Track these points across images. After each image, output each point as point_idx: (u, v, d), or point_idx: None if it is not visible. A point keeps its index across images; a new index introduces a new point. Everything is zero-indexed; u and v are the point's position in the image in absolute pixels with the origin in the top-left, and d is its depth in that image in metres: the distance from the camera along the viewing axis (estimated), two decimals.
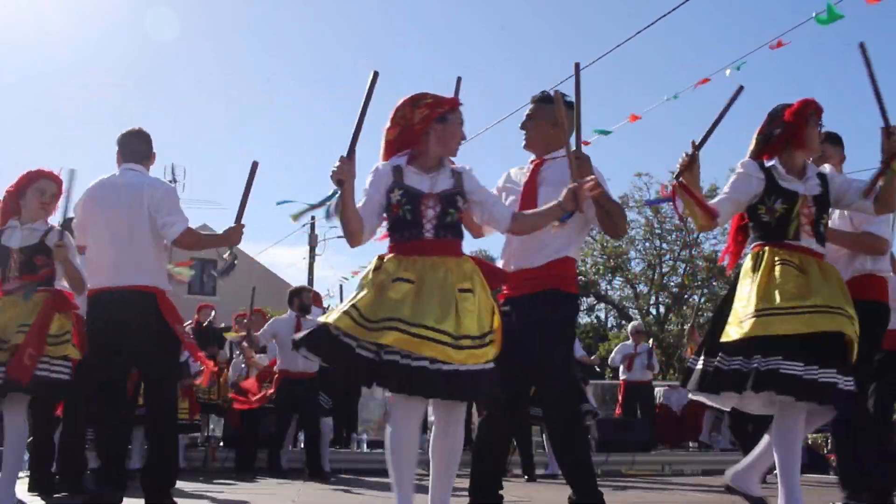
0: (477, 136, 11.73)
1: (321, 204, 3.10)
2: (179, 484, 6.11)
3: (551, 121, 3.53)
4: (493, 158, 36.02)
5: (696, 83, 8.00)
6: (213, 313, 9.51)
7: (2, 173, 45.14)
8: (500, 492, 3.67)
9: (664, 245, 27.15)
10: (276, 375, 7.64)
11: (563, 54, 42.13)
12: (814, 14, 6.35)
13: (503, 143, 38.90)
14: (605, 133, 8.54)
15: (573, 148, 3.35)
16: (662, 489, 6.68)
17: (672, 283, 26.83)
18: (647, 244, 27.26)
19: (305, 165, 49.86)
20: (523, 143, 3.72)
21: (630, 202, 27.29)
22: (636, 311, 27.14)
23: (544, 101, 3.65)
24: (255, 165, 4.09)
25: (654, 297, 27.61)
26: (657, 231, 26.92)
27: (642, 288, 27.69)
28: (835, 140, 4.25)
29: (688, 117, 41.44)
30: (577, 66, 3.46)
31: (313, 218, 17.78)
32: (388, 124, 3.15)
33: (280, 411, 7.74)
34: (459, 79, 3.45)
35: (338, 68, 46.48)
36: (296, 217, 3.21)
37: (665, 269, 27.26)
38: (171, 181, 23.31)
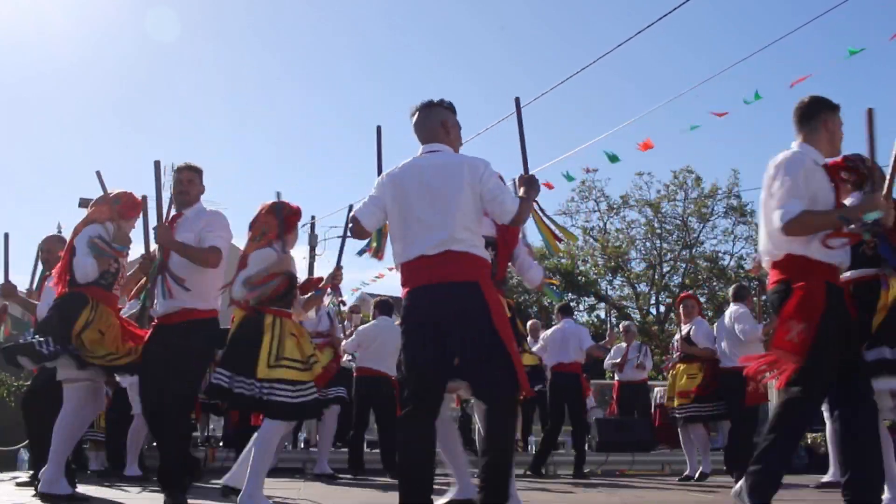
0: (477, 136, 11.75)
1: None
2: None
3: None
4: (494, 158, 36.02)
5: (697, 84, 8.11)
6: None
7: (1, 174, 45.22)
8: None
9: (665, 245, 27.17)
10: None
11: (563, 54, 42.16)
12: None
13: (504, 143, 38.94)
14: (615, 159, 8.59)
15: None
16: (662, 489, 6.67)
17: (673, 283, 26.80)
18: (648, 244, 27.29)
19: (305, 164, 49.94)
20: None
21: (630, 201, 27.29)
22: (636, 311, 27.10)
23: None
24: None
25: (654, 297, 27.59)
26: (658, 231, 26.93)
27: (643, 288, 27.67)
28: None
29: (687, 116, 41.47)
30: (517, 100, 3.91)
31: (313, 217, 17.80)
32: None
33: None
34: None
35: (338, 68, 46.55)
36: None
37: (666, 269, 27.27)
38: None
